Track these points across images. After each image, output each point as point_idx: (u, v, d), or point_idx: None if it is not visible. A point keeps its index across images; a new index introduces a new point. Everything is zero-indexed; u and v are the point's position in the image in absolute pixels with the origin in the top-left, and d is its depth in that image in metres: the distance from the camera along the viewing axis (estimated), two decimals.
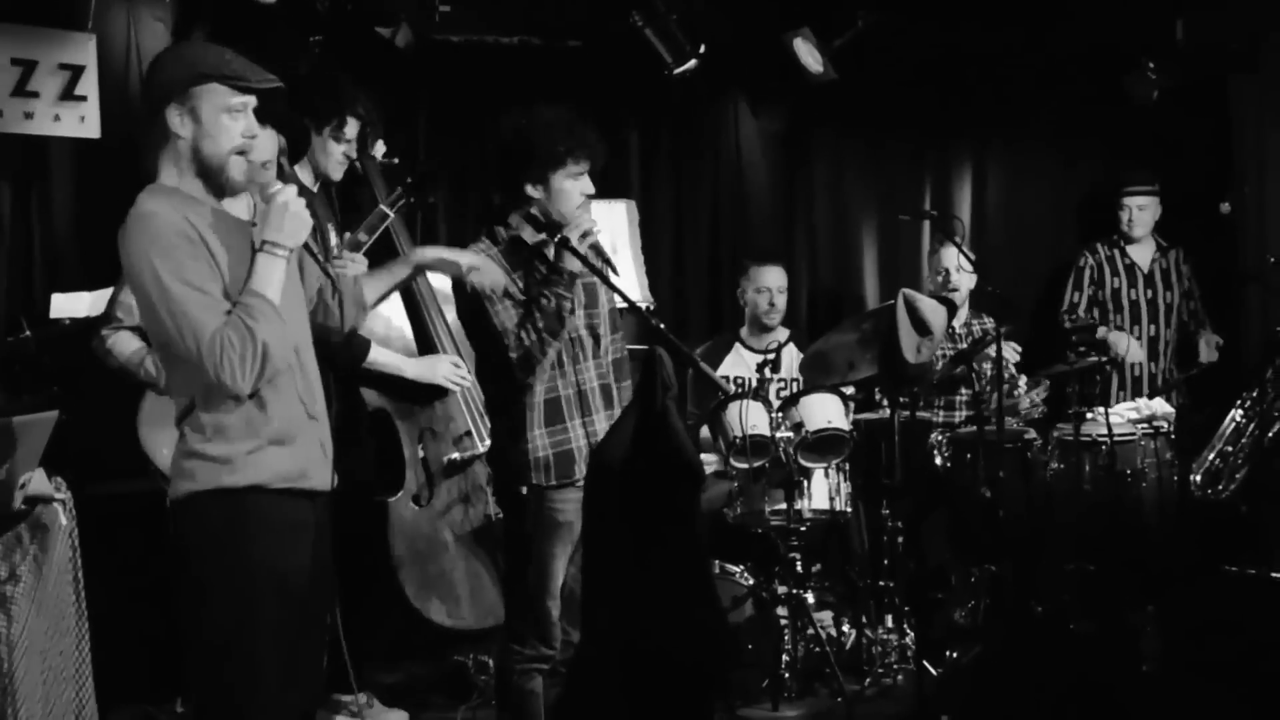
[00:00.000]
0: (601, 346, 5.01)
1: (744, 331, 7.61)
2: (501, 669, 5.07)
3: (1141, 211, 8.08)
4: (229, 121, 3.72)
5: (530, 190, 4.80)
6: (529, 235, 4.88)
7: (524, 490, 4.87)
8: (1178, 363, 8.10)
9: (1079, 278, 8.19)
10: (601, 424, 4.95)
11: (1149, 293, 8.13)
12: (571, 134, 4.78)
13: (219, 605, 3.72)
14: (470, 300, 4.74)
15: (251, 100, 3.76)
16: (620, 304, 4.99)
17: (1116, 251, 8.18)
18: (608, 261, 4.87)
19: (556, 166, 4.79)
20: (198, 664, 3.79)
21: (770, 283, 7.56)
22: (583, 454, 4.92)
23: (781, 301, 7.56)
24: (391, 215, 5.92)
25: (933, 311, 5.40)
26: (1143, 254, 8.18)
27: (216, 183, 3.75)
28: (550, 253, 4.86)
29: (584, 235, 4.77)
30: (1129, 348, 7.99)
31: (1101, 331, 8.00)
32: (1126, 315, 8.13)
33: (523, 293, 4.79)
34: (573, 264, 4.76)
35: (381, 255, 5.65)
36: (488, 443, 6.28)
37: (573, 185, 4.82)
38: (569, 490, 4.89)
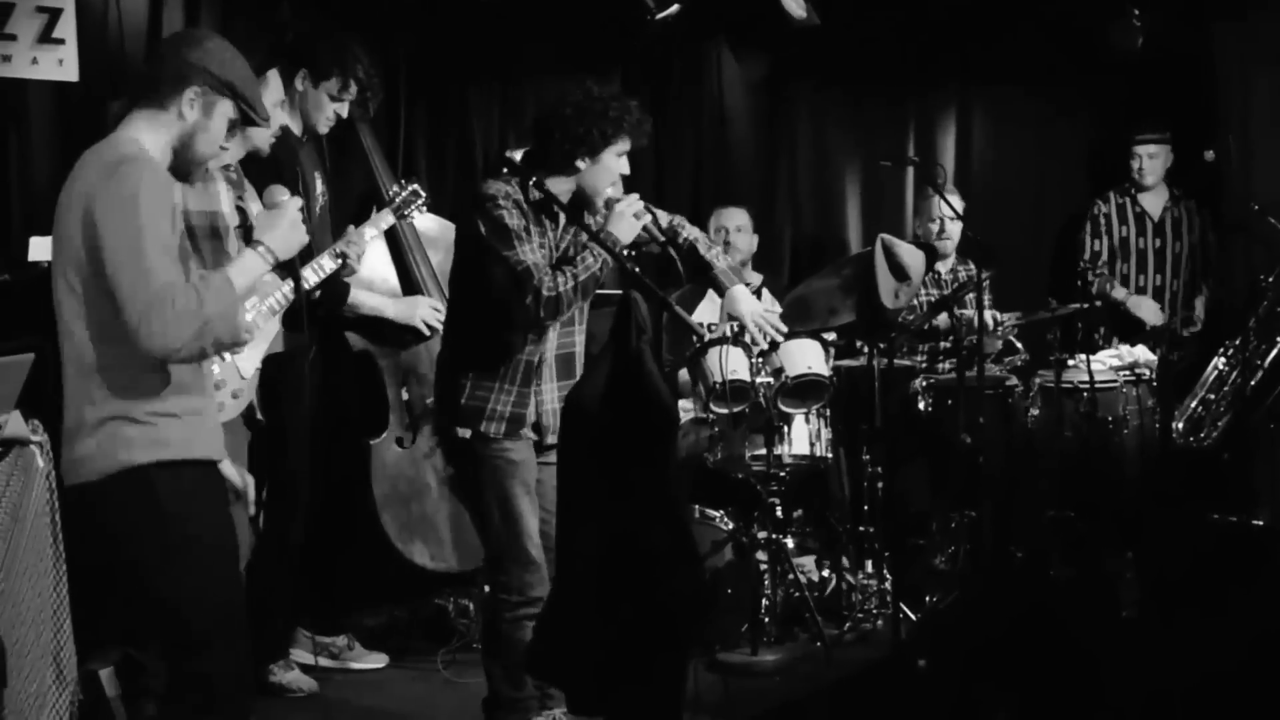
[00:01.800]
0: (584, 314, 5.08)
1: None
2: (489, 620, 5.09)
3: (1152, 160, 8.07)
4: (223, 128, 3.79)
5: (579, 163, 4.85)
6: (564, 197, 4.92)
7: (467, 435, 4.89)
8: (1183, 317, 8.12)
9: (1095, 227, 8.18)
10: (553, 393, 5.02)
11: (1158, 242, 8.13)
12: (626, 113, 4.86)
13: (184, 572, 3.71)
14: (477, 240, 4.76)
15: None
16: None
17: (1128, 200, 8.17)
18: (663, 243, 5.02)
19: (609, 144, 4.85)
20: (168, 635, 3.81)
21: (727, 223, 7.56)
22: (532, 418, 4.96)
23: (741, 241, 7.52)
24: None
25: (911, 256, 5.40)
26: (1154, 203, 8.18)
27: (185, 170, 3.79)
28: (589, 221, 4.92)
29: (637, 215, 4.87)
30: (1151, 313, 8.00)
31: (1121, 294, 7.99)
32: (1133, 263, 8.12)
33: (556, 247, 4.86)
34: (623, 232, 4.85)
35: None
36: None
37: (615, 163, 4.90)
38: (515, 439, 4.94)
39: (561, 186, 4.90)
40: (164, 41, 3.84)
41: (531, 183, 4.78)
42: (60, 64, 6.11)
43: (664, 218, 5.16)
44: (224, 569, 3.79)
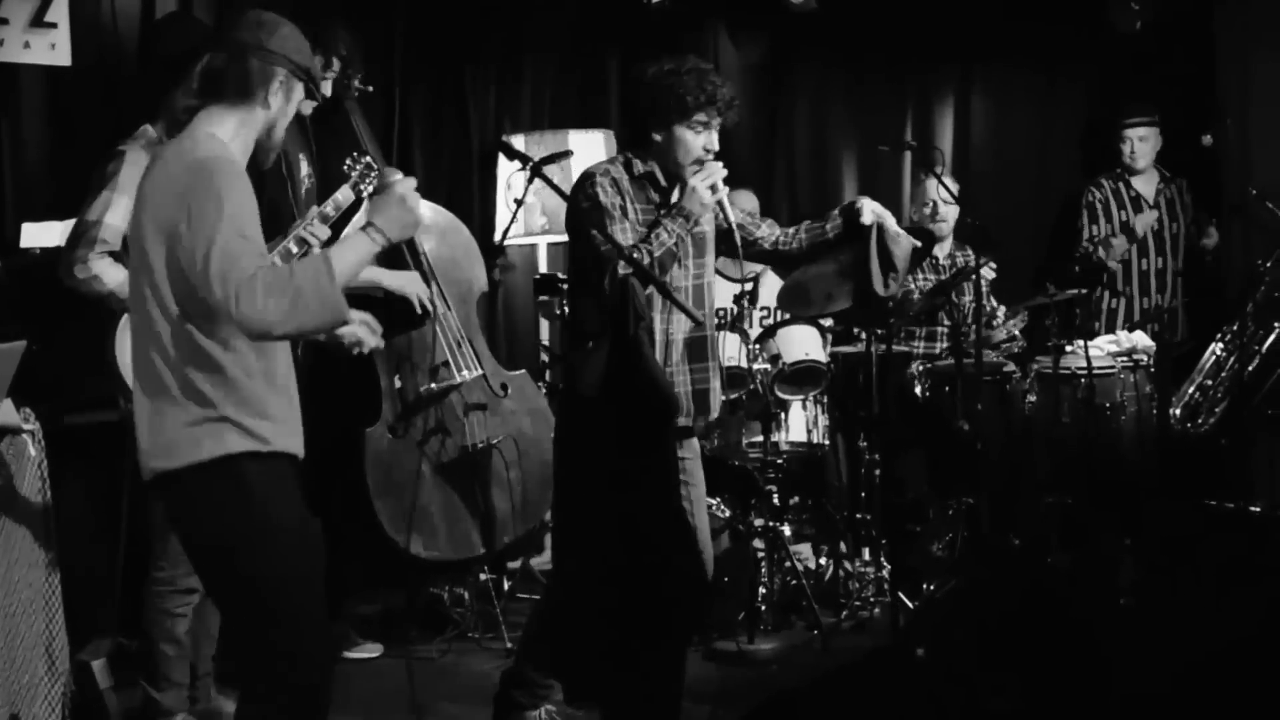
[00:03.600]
0: (706, 303, 4.98)
1: (720, 261, 7.53)
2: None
3: (1142, 143, 8.04)
4: (294, 110, 3.86)
5: (655, 135, 4.78)
6: (659, 174, 4.86)
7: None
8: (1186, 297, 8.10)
9: (1093, 212, 8.14)
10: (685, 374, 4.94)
11: (1155, 224, 8.10)
12: (703, 87, 4.75)
13: (268, 557, 3.72)
14: (581, 215, 4.69)
15: None
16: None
17: (1121, 184, 8.14)
18: (730, 226, 4.92)
19: (684, 117, 4.76)
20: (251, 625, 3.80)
21: (742, 205, 7.51)
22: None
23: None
24: (355, 198, 5.84)
25: (899, 247, 5.33)
26: (1146, 185, 8.15)
27: (263, 158, 3.83)
28: (675, 195, 4.85)
29: (713, 187, 4.77)
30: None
31: (1120, 241, 7.95)
32: (1134, 247, 8.09)
33: (641, 225, 4.77)
34: (695, 207, 4.76)
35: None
36: (465, 373, 6.28)
37: (694, 138, 4.78)
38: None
39: (650, 158, 4.83)
40: (230, 29, 3.78)
41: (530, 166, 4.72)
42: (53, 48, 6.06)
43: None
44: (306, 555, 3.81)
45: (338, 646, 6.13)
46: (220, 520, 3.68)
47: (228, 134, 3.70)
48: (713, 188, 4.75)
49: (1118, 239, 7.93)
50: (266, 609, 3.73)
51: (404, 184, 3.77)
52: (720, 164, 4.81)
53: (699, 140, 4.78)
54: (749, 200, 7.50)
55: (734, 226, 4.92)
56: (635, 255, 4.58)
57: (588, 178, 4.73)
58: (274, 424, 3.69)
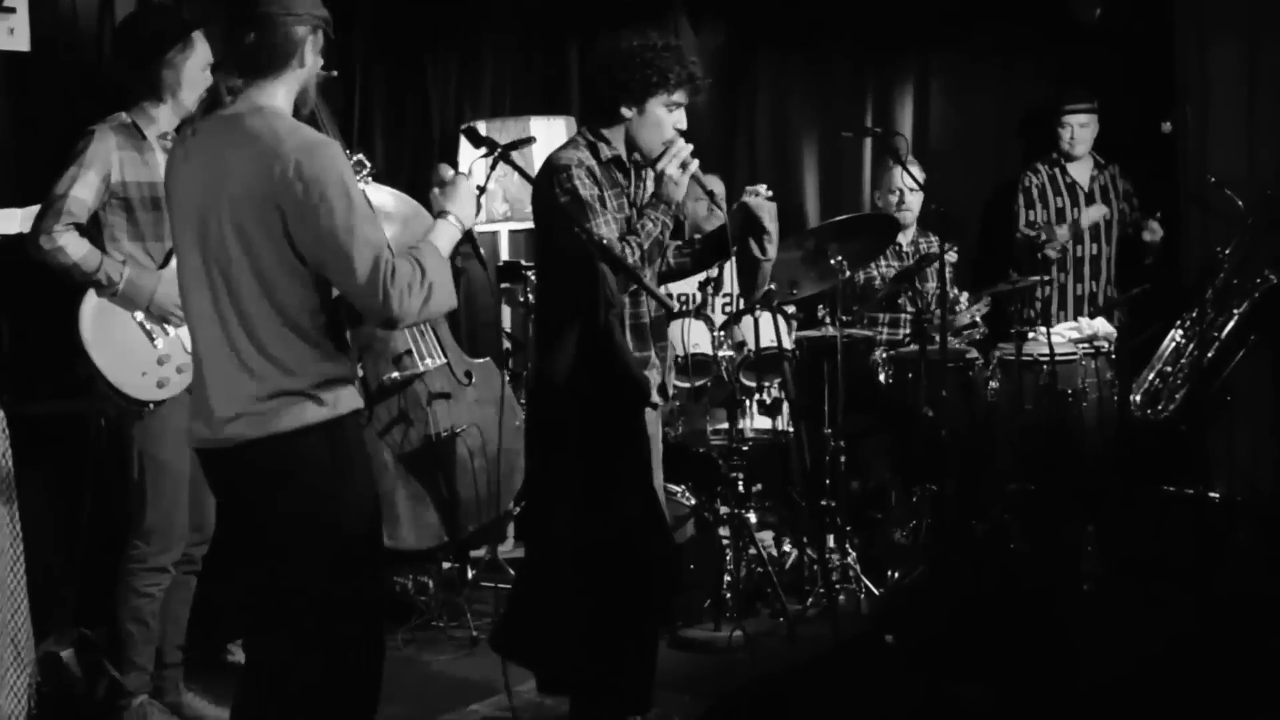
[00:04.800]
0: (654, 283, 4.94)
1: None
2: None
3: (1083, 129, 8.05)
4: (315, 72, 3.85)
5: (624, 111, 4.72)
6: (625, 155, 4.82)
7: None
8: (1119, 283, 8.08)
9: (1029, 197, 8.15)
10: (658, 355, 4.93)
11: (1104, 218, 8.11)
12: (683, 65, 4.71)
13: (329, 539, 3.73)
14: (558, 209, 4.60)
15: None
16: None
17: (1058, 170, 8.15)
18: (710, 193, 4.93)
19: (662, 94, 4.71)
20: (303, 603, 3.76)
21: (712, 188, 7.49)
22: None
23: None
24: None
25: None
26: (1082, 172, 8.16)
27: (300, 114, 3.81)
28: (648, 180, 4.83)
29: (683, 166, 4.71)
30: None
31: (1063, 232, 7.94)
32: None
33: (618, 211, 4.74)
34: (673, 192, 4.72)
35: None
36: (428, 361, 6.25)
37: (666, 116, 4.74)
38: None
39: (616, 137, 4.77)
40: (249, 4, 3.79)
41: (496, 153, 4.67)
42: (11, 33, 5.99)
43: None
44: (375, 514, 3.85)
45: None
46: (303, 486, 3.70)
47: (282, 104, 3.73)
48: (683, 165, 4.70)
49: (1061, 228, 7.93)
50: (339, 569, 3.74)
51: (462, 180, 3.92)
52: (683, 141, 4.75)
53: (670, 119, 4.74)
54: (718, 185, 7.49)
55: (712, 193, 4.93)
56: (626, 251, 4.55)
57: (562, 169, 4.63)
58: (341, 388, 3.75)
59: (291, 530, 3.71)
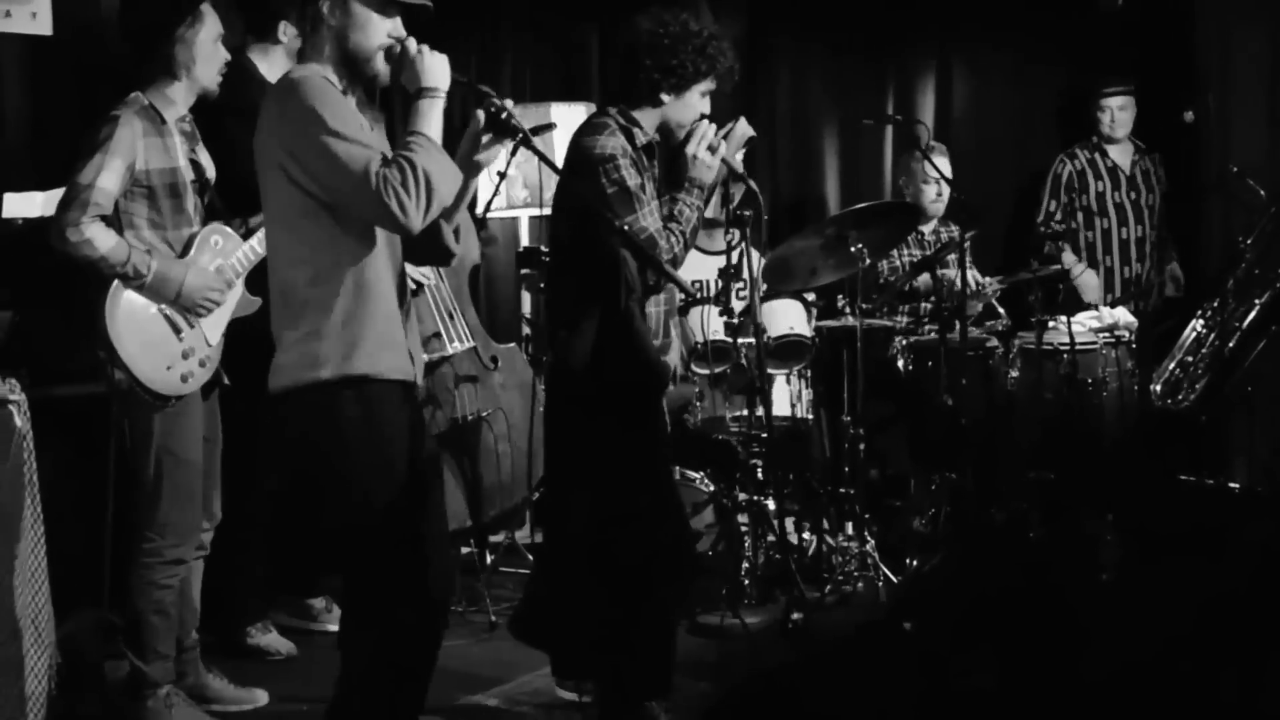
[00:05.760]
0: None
1: (703, 234, 7.50)
2: None
3: (1122, 112, 8.05)
4: (379, 20, 3.85)
5: (664, 96, 4.72)
6: (650, 129, 4.81)
7: None
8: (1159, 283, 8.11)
9: (1055, 186, 8.14)
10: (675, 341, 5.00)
11: (1132, 195, 8.11)
12: (727, 55, 4.75)
13: (357, 487, 3.80)
14: (607, 199, 4.57)
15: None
16: None
17: (1098, 155, 8.14)
18: (743, 176, 4.92)
19: (702, 80, 4.73)
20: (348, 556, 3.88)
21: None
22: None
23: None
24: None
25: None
26: (1123, 156, 8.16)
27: (359, 72, 3.85)
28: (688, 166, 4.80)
29: (712, 149, 4.73)
30: (1091, 288, 8.01)
31: (1070, 261, 7.95)
32: (1113, 218, 8.10)
33: (653, 199, 4.71)
34: (705, 175, 4.72)
35: None
36: (455, 345, 6.28)
37: (699, 102, 4.76)
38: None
39: (647, 120, 4.76)
40: None
41: (519, 138, 4.63)
42: (34, 17, 6.01)
43: None
44: (403, 483, 3.83)
45: (319, 620, 6.12)
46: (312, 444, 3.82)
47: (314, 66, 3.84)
48: (711, 149, 4.70)
49: (1069, 255, 7.95)
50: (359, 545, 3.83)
51: (410, 43, 3.86)
52: (707, 122, 4.76)
53: (701, 105, 4.76)
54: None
55: (743, 174, 4.92)
56: (671, 240, 4.55)
57: (609, 159, 4.58)
58: (383, 353, 3.79)
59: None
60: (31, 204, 5.65)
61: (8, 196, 5.70)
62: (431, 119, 3.76)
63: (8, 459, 4.62)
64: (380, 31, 3.83)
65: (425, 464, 3.93)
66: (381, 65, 3.84)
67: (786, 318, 6.49)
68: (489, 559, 6.84)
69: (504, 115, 3.91)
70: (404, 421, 3.85)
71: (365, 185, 3.59)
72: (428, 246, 3.98)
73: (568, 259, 4.84)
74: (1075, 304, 7.74)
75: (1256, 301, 7.30)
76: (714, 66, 4.69)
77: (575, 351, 4.63)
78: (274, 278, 3.87)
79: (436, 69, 3.81)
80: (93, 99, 5.31)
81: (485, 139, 3.97)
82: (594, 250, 4.61)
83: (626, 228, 4.43)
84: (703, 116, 4.76)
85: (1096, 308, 7.54)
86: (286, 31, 5.79)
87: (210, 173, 5.11)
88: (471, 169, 3.99)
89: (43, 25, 6.04)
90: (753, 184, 4.93)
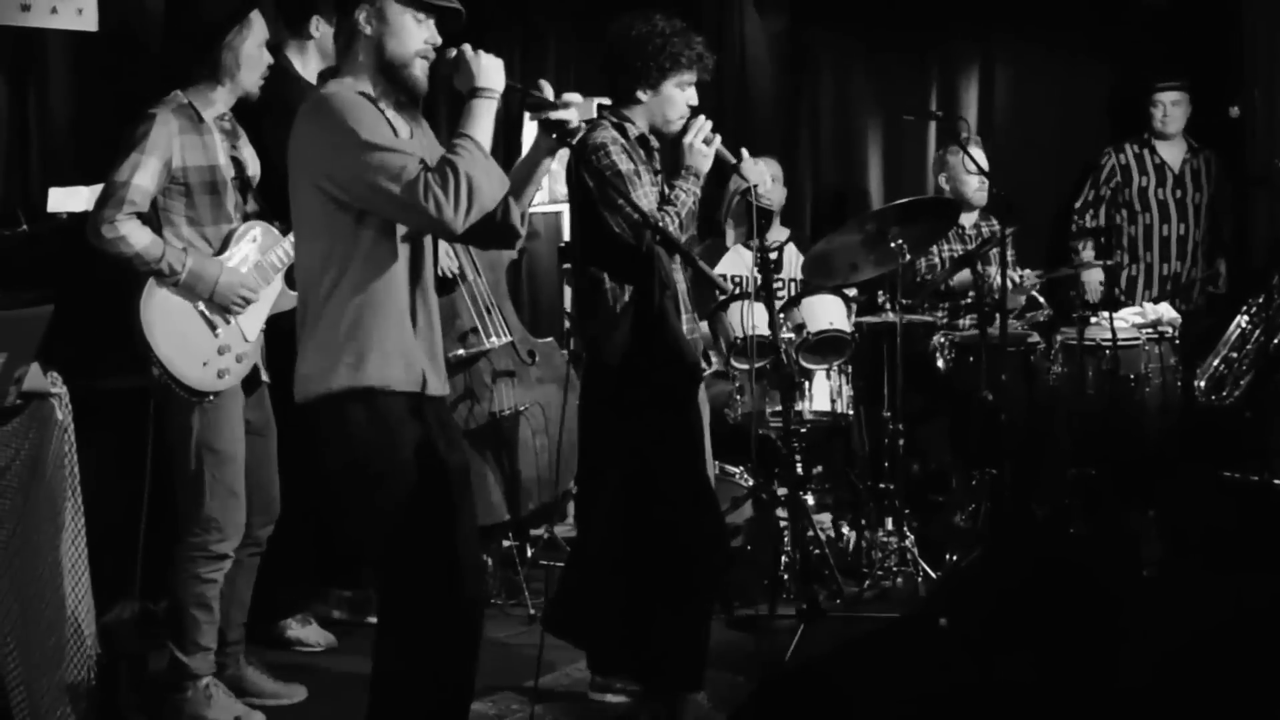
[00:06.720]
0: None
1: (742, 232, 7.53)
2: None
3: (1175, 107, 8.04)
4: (415, 26, 3.88)
5: (640, 94, 4.90)
6: (647, 132, 4.97)
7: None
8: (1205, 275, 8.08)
9: (1095, 177, 8.14)
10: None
11: (1178, 193, 8.09)
12: (692, 46, 4.89)
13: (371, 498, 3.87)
14: (605, 184, 4.72)
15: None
16: None
17: (1146, 150, 8.13)
18: (735, 164, 4.99)
19: (672, 73, 4.88)
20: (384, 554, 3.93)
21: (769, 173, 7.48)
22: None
23: (774, 193, 7.40)
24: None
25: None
26: (1173, 153, 8.14)
27: (398, 80, 3.88)
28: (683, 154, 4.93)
29: (706, 141, 4.87)
30: (1092, 285, 8.00)
31: (1088, 255, 7.96)
32: (1155, 214, 8.09)
33: (652, 185, 4.86)
34: (701, 163, 4.86)
35: None
36: (493, 339, 6.29)
37: (681, 96, 4.92)
38: None
39: (637, 117, 4.93)
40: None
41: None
42: (80, 13, 6.06)
43: None
44: (423, 489, 3.86)
45: (361, 611, 6.14)
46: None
47: (351, 79, 3.89)
48: (706, 140, 4.85)
49: (1086, 253, 7.97)
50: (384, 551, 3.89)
51: (465, 47, 3.88)
52: (703, 116, 4.92)
53: (684, 97, 4.92)
54: (773, 167, 7.47)
55: (737, 159, 4.98)
56: (666, 220, 4.62)
57: (598, 146, 4.76)
58: (392, 365, 3.83)
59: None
60: (76, 198, 5.69)
61: (53, 191, 5.75)
62: (483, 120, 3.80)
63: (50, 451, 4.66)
64: (417, 38, 3.87)
65: (448, 467, 3.94)
66: (419, 71, 3.88)
67: (827, 313, 6.48)
68: (529, 552, 6.87)
69: (560, 120, 3.98)
70: (416, 431, 3.87)
71: (404, 191, 3.62)
72: (494, 229, 3.99)
73: (594, 256, 4.91)
74: (1117, 300, 7.73)
75: None
76: (678, 61, 4.86)
77: (610, 347, 4.66)
78: (298, 289, 3.95)
79: (491, 70, 3.84)
80: (137, 96, 5.33)
81: (547, 143, 4.04)
82: (623, 247, 4.67)
83: (622, 204, 4.52)
84: (692, 108, 4.93)
85: (1139, 303, 7.52)
86: (319, 27, 5.84)
87: (253, 169, 5.13)
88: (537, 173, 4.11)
89: (88, 21, 6.09)
90: (745, 175, 4.98)
